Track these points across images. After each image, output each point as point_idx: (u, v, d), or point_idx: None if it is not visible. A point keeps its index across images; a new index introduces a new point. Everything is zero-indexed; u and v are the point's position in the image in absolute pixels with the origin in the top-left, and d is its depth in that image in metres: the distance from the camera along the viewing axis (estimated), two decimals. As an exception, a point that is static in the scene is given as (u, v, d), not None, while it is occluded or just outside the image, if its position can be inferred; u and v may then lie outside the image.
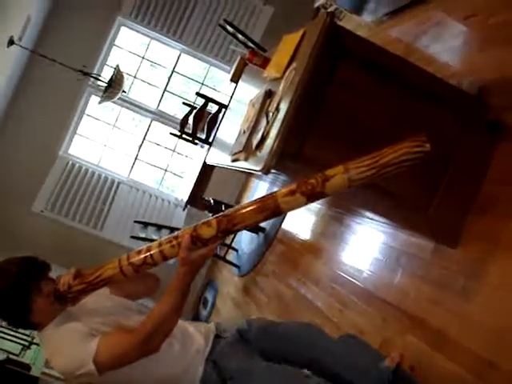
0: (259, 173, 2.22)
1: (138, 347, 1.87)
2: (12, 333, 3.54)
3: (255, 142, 2.38)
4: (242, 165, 2.55)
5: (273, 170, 2.22)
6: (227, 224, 1.78)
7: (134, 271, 1.87)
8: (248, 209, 1.77)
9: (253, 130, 2.54)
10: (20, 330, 3.67)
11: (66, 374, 1.96)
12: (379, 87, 2.35)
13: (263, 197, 1.79)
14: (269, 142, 2.23)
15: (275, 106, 2.33)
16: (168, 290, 1.88)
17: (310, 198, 1.73)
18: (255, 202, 1.79)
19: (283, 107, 2.24)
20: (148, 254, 1.84)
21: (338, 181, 1.73)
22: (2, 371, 3.20)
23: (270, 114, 2.35)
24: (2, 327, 3.54)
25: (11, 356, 3.32)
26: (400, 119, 2.36)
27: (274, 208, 1.74)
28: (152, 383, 2.04)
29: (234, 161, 2.76)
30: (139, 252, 1.86)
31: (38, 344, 3.58)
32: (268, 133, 2.28)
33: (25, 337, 3.59)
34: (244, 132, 2.68)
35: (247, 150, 2.52)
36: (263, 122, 2.38)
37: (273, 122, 2.28)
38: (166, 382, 2.05)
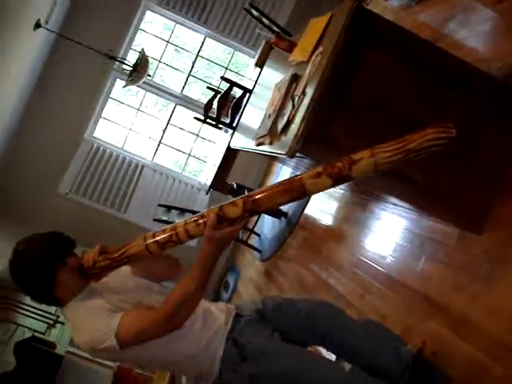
0: (284, 156, 2.23)
1: (162, 323, 1.89)
2: (38, 311, 3.60)
3: (280, 125, 2.38)
4: (267, 149, 2.56)
5: (297, 154, 2.22)
6: (253, 204, 1.79)
7: (159, 248, 1.89)
8: (274, 190, 1.78)
9: (278, 114, 2.54)
10: (45, 309, 3.73)
11: (88, 349, 1.98)
12: (406, 71, 2.33)
13: (289, 178, 1.80)
14: (294, 125, 2.23)
15: (301, 90, 2.33)
16: (193, 268, 1.90)
17: (337, 180, 1.73)
18: (281, 183, 1.80)
19: (309, 91, 2.23)
20: (173, 231, 1.86)
21: (365, 164, 1.74)
22: (28, 349, 3.26)
23: (296, 98, 2.34)
24: (28, 306, 3.61)
25: (37, 334, 3.38)
26: (427, 104, 2.34)
27: (299, 190, 1.75)
28: (172, 359, 2.06)
29: (258, 145, 2.76)
30: (164, 230, 1.89)
31: (62, 323, 3.63)
32: (293, 117, 2.28)
33: (50, 316, 3.65)
34: (269, 116, 2.68)
35: (272, 133, 2.52)
36: (289, 106, 2.38)
37: (298, 106, 2.27)
38: (186, 358, 2.07)
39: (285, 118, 2.36)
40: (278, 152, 2.33)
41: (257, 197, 1.80)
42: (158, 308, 1.93)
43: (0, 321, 3.29)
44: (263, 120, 2.83)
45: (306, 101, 2.20)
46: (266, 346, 2.08)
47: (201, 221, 1.84)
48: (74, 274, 1.99)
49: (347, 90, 2.27)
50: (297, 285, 4.41)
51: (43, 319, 3.60)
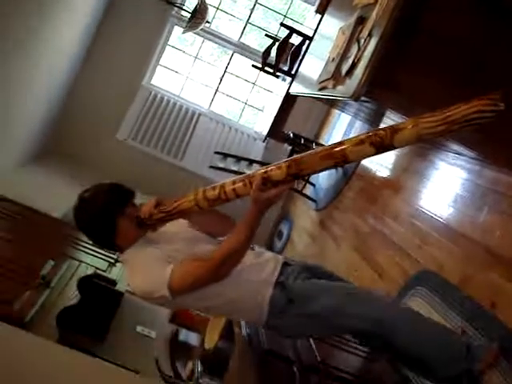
0: (348, 100, 2.19)
1: (209, 275, 2.01)
2: (100, 251, 3.72)
3: (345, 68, 2.33)
4: (330, 92, 2.52)
5: (362, 98, 2.18)
6: (296, 168, 1.85)
7: (208, 205, 2.00)
8: (316, 155, 1.83)
9: (342, 57, 2.48)
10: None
11: (143, 296, 2.12)
12: (479, 13, 2.24)
13: (332, 144, 1.82)
14: (359, 68, 2.18)
15: (367, 32, 2.26)
16: (239, 225, 2.02)
17: (379, 149, 1.75)
18: (324, 149, 1.83)
19: (376, 33, 2.17)
20: (222, 190, 1.95)
21: (407, 134, 1.74)
22: (91, 285, 3.38)
23: (362, 41, 2.28)
24: (90, 245, 3.72)
25: (98, 272, 3.50)
26: (499, 50, 2.25)
27: (341, 156, 1.79)
28: (221, 304, 2.16)
29: (320, 89, 2.73)
30: (214, 188, 1.98)
31: (122, 262, 3.74)
32: (359, 59, 2.23)
33: (111, 255, 3.76)
34: (333, 60, 2.63)
35: (336, 77, 2.47)
36: (354, 49, 2.32)
37: (364, 49, 2.22)
38: (235, 303, 2.17)
39: (349, 61, 2.31)
40: (342, 96, 2.30)
41: (300, 162, 1.85)
42: (207, 259, 2.03)
43: (64, 257, 3.41)
44: (326, 64, 2.78)
45: (373, 43, 2.15)
46: (312, 288, 2.17)
47: (247, 181, 1.92)
48: (132, 223, 2.10)
49: (415, 31, 2.19)
50: (352, 234, 4.41)
51: (104, 258, 3.72)
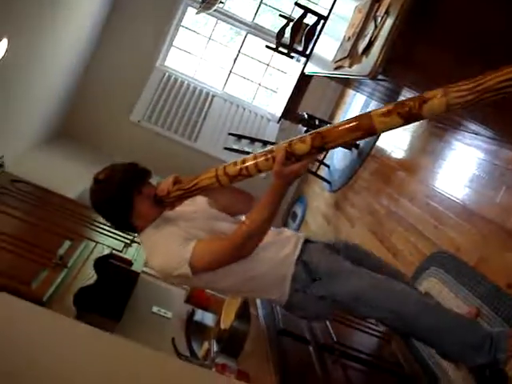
0: (365, 79, 2.17)
1: (231, 252, 1.99)
2: (115, 231, 3.73)
3: (361, 47, 2.31)
4: (346, 72, 2.50)
5: (379, 76, 2.16)
6: (321, 141, 1.79)
7: (229, 181, 1.95)
8: (343, 127, 1.77)
9: (359, 35, 2.46)
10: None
11: (162, 274, 2.12)
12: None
13: (358, 116, 1.77)
14: (376, 46, 2.16)
15: (384, 10, 2.24)
16: (262, 201, 1.97)
17: (407, 119, 1.70)
18: (350, 120, 1.77)
19: (393, 11, 2.14)
20: (243, 165, 1.90)
21: (436, 104, 1.68)
22: (107, 265, 3.40)
23: (379, 19, 2.26)
24: (106, 225, 3.74)
25: (115, 252, 3.51)
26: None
27: (368, 128, 1.73)
28: (243, 284, 2.14)
29: (336, 68, 2.71)
30: (235, 163, 1.93)
31: (138, 243, 3.76)
32: (376, 37, 2.20)
33: (127, 235, 3.77)
34: (349, 38, 2.60)
35: (352, 56, 2.45)
36: (371, 27, 2.30)
37: (381, 27, 2.19)
38: (257, 282, 2.14)
39: (366, 40, 2.29)
40: (359, 75, 2.28)
41: (325, 134, 1.79)
42: (229, 236, 2.01)
43: (80, 237, 3.43)
44: (342, 43, 2.76)
45: (390, 20, 2.12)
46: (336, 267, 2.14)
47: (270, 156, 1.87)
48: (150, 202, 2.08)
49: (435, 7, 2.16)
50: (367, 215, 4.40)
51: (120, 238, 3.73)
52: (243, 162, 1.91)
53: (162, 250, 2.05)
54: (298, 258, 2.15)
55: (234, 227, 2.11)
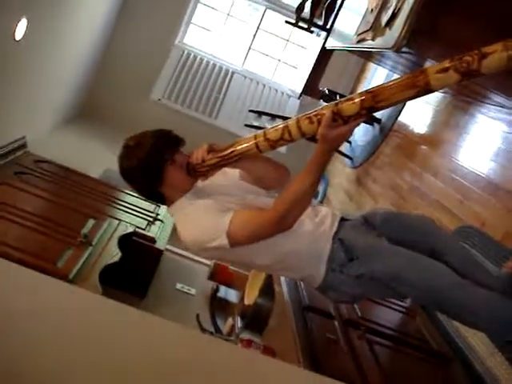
0: (389, 51, 2.14)
1: (273, 224, 1.87)
2: (138, 209, 3.76)
3: (385, 19, 2.27)
4: (369, 45, 2.46)
5: (403, 49, 2.12)
6: (372, 100, 1.68)
7: (269, 147, 1.85)
8: (395, 85, 1.66)
9: (382, 7, 2.41)
10: (145, 207, 3.88)
11: (196, 247, 1.98)
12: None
13: (411, 73, 1.67)
14: (400, 18, 2.12)
15: (408, -20, 2.19)
16: (306, 169, 1.85)
17: (464, 75, 1.60)
18: (403, 78, 1.67)
19: (418, -20, 2.10)
20: (286, 130, 1.80)
21: (496, 59, 1.58)
22: (131, 243, 3.43)
23: (403, -10, 2.21)
24: (129, 204, 3.77)
25: (138, 230, 3.53)
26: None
27: (423, 85, 1.63)
28: (278, 260, 2.04)
29: (359, 41, 2.67)
30: (276, 129, 1.83)
31: (161, 220, 3.78)
32: (400, 9, 2.16)
33: (150, 213, 3.80)
34: (372, 10, 2.56)
35: (375, 28, 2.41)
36: (394, -1, 2.26)
37: (405, -3, 2.15)
38: (294, 259, 2.05)
39: (389, 12, 2.24)
40: (382, 47, 2.23)
41: (376, 92, 1.68)
42: (269, 208, 1.90)
43: (104, 216, 3.46)
44: (364, 16, 2.71)
45: (415, -9, 2.08)
46: (374, 246, 2.05)
47: (314, 118, 1.76)
48: (182, 171, 1.98)
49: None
50: (389, 191, 4.36)
51: (143, 216, 3.76)
52: (286, 126, 1.81)
53: (197, 221, 1.95)
54: (334, 235, 2.05)
55: (268, 201, 2.01)
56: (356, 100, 1.69)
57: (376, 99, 1.67)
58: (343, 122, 1.72)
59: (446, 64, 1.61)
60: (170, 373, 1.24)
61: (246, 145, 1.88)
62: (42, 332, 1.22)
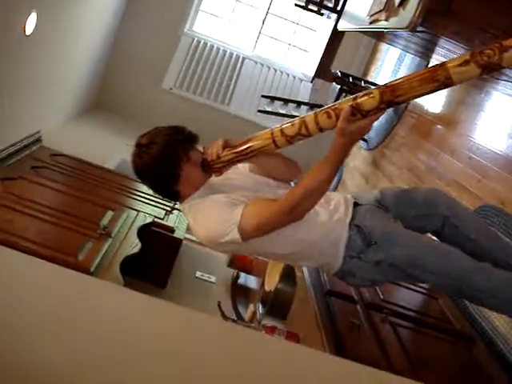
0: (404, 31, 2.11)
1: (284, 214, 1.86)
2: (156, 199, 3.77)
3: (398, -1, 2.25)
4: (383, 25, 2.44)
5: (419, 28, 2.10)
6: (391, 95, 1.66)
7: (286, 142, 1.84)
8: (415, 79, 1.65)
9: (394, -13, 2.39)
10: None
11: (209, 242, 1.99)
12: None
13: (431, 67, 1.64)
14: (414, -3, 2.10)
15: (421, -42, 2.16)
16: (322, 162, 1.83)
17: (485, 69, 1.57)
18: (423, 72, 1.65)
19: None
20: (303, 125, 1.78)
21: None
22: (150, 233, 3.44)
23: (415, -32, 2.18)
24: (146, 194, 3.78)
25: (157, 220, 3.54)
26: None
27: (444, 79, 1.60)
28: (294, 249, 2.03)
29: (372, 22, 2.64)
30: (293, 124, 1.82)
31: (179, 209, 3.79)
32: (413, -12, 2.14)
33: (167, 202, 3.81)
34: (384, -9, 2.53)
35: (389, 8, 2.39)
36: (407, -23, 2.23)
37: (419, -24, 2.12)
38: (309, 247, 2.03)
39: (403, -9, 2.22)
40: (397, 27, 2.21)
41: (395, 87, 1.66)
42: (281, 199, 1.89)
43: (122, 207, 3.47)
44: (377, -4, 2.69)
45: (428, -31, 2.05)
46: (391, 232, 2.03)
47: (332, 112, 1.73)
48: (197, 167, 1.97)
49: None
50: (406, 172, 4.34)
51: (161, 206, 3.77)
52: (303, 120, 1.79)
53: (209, 217, 1.94)
54: (350, 222, 2.03)
55: (279, 193, 2.00)
56: (375, 94, 1.67)
57: (395, 94, 1.66)
58: (361, 116, 1.69)
59: (467, 57, 1.58)
60: (198, 365, 1.25)
61: (262, 140, 1.87)
62: (70, 326, 1.23)
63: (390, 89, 1.67)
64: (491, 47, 1.57)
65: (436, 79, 1.62)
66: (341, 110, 1.71)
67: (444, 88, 1.65)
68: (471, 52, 1.59)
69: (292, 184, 2.19)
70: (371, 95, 1.68)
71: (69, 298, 1.33)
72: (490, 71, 1.60)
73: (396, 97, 1.66)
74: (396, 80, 1.68)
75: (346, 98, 1.76)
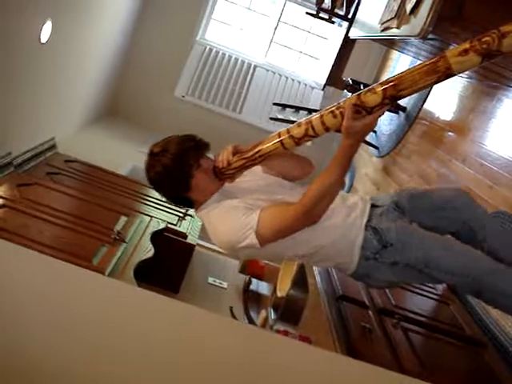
0: (415, 39, 2.14)
1: (300, 218, 1.88)
2: (169, 205, 3.80)
3: (409, 7, 2.27)
4: (394, 32, 2.46)
5: (429, 35, 2.12)
6: (394, 89, 1.67)
7: (294, 144, 1.86)
8: (416, 72, 1.65)
9: (406, -5, 2.42)
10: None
11: (227, 248, 2.01)
12: None
13: (432, 58, 1.66)
14: (425, 5, 2.12)
15: (432, -34, 2.19)
16: (332, 162, 1.85)
17: (485, 56, 1.58)
18: (423, 64, 1.66)
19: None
20: (309, 125, 1.80)
21: None
22: (163, 238, 3.47)
23: (426, -24, 2.21)
24: (159, 200, 3.81)
25: (169, 225, 3.57)
26: None
27: (445, 69, 1.61)
28: (311, 251, 2.05)
29: (383, 30, 2.67)
30: (299, 125, 1.84)
31: (191, 215, 3.82)
32: (424, -4, 2.16)
33: (180, 208, 3.83)
34: (395, -1, 2.56)
35: (400, 16, 2.41)
36: (418, -15, 2.25)
37: (430, -16, 2.15)
38: (326, 249, 2.04)
39: (414, -1, 2.25)
40: (408, 35, 2.24)
41: (398, 81, 1.67)
42: (296, 202, 1.91)
43: (135, 213, 3.50)
44: (388, 4, 2.71)
45: (439, -23, 2.07)
46: (408, 233, 2.04)
47: (337, 111, 1.75)
48: (209, 175, 2.00)
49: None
50: (418, 179, 4.35)
51: (174, 212, 3.80)
52: (309, 121, 1.81)
53: (225, 223, 1.96)
54: (366, 223, 2.05)
55: (294, 194, 2.02)
56: (378, 90, 1.69)
57: (398, 88, 1.67)
58: (366, 113, 1.71)
59: (466, 46, 1.59)
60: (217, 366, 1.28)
61: (271, 144, 1.89)
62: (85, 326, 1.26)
63: (392, 83, 1.68)
64: (489, 34, 1.57)
65: (437, 70, 1.63)
66: (345, 109, 1.73)
67: (446, 78, 1.66)
68: (470, 40, 1.60)
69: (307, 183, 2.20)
70: (374, 91, 1.70)
71: (96, 299, 1.36)
72: (490, 58, 1.60)
73: (399, 91, 1.68)
74: (398, 74, 1.70)
75: (350, 96, 1.78)
